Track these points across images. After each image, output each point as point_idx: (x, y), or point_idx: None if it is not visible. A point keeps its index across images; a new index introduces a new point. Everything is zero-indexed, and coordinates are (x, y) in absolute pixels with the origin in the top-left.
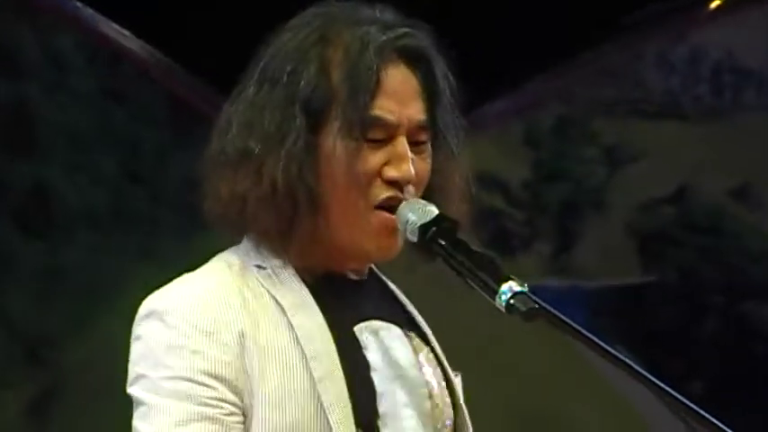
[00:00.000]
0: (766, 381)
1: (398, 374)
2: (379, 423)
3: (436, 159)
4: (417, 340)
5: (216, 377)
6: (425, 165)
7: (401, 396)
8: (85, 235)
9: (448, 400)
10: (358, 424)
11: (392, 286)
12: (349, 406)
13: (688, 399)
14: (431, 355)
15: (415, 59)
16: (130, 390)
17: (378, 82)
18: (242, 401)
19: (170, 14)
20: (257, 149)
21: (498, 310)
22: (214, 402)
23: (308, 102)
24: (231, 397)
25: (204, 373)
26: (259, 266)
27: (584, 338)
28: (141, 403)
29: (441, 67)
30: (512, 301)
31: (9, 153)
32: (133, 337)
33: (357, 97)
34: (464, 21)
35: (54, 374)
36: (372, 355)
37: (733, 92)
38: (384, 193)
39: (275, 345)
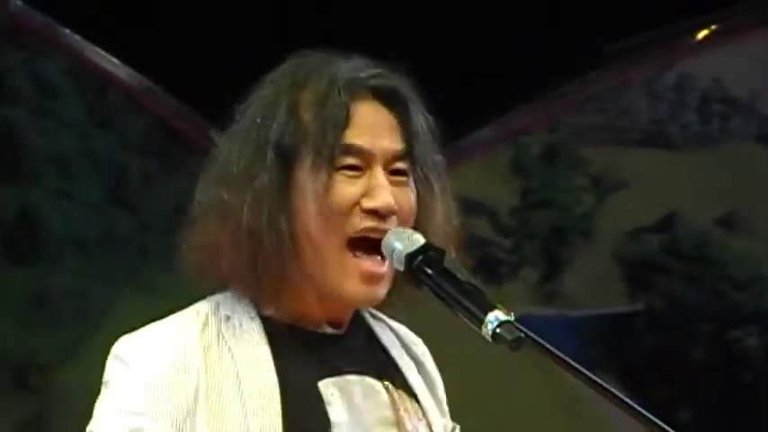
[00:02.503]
0: (753, 408)
1: (364, 430)
2: None
3: (417, 193)
4: (400, 392)
5: (162, 414)
6: (408, 197)
7: None
8: (73, 261)
9: None
10: None
11: (384, 336)
12: None
13: (675, 427)
14: (415, 408)
15: (389, 98)
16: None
17: (347, 116)
18: None
19: (158, 42)
20: (226, 196)
21: (485, 339)
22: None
23: (279, 142)
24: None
25: (151, 408)
26: (228, 317)
27: (571, 367)
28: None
29: (416, 106)
30: (498, 330)
31: None
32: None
33: (326, 129)
34: (451, 49)
35: (42, 400)
36: (335, 411)
37: (720, 120)
38: (363, 223)
39: (221, 397)
